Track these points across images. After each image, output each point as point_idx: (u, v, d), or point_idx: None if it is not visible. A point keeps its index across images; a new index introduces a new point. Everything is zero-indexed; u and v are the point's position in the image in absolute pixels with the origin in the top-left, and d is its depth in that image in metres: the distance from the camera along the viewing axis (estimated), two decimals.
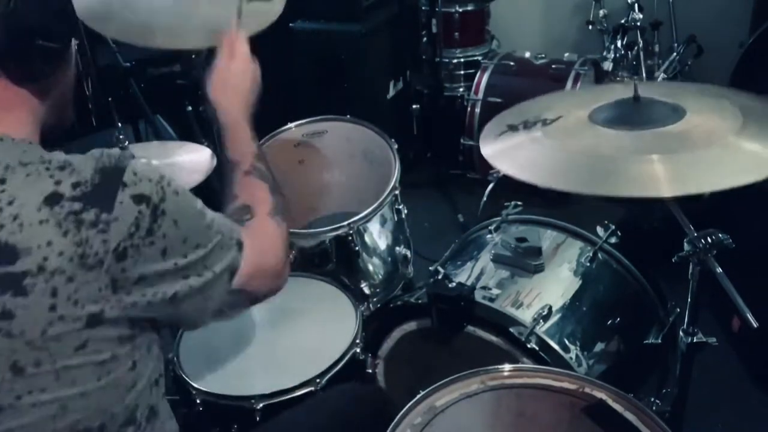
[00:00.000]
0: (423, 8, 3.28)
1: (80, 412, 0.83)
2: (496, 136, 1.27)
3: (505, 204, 1.82)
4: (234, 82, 1.26)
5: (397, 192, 2.00)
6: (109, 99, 2.29)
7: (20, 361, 0.79)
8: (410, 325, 1.59)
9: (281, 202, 1.15)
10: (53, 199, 0.79)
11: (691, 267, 1.20)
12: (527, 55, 3.11)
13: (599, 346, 1.56)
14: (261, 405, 1.43)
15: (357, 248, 1.90)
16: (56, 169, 0.82)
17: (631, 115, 1.19)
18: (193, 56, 2.04)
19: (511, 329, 1.45)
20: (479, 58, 3.20)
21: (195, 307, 0.94)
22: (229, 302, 1.00)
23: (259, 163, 1.18)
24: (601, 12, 2.96)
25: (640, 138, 1.14)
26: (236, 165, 1.17)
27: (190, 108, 2.60)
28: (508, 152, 1.22)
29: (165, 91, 2.89)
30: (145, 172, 0.86)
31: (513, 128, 1.27)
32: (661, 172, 1.05)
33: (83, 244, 0.79)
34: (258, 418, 1.42)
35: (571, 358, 1.47)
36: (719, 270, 1.17)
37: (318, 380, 1.49)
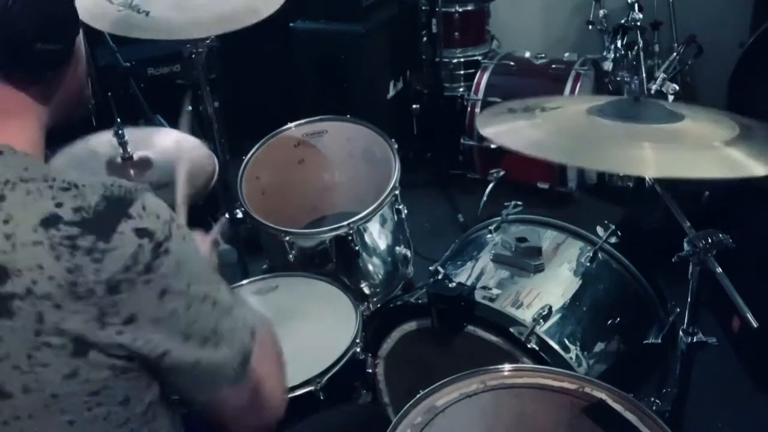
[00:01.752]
0: (423, 8, 3.28)
1: None
2: (495, 116, 1.30)
3: (505, 204, 1.82)
4: None
5: (397, 192, 2.00)
6: (109, 97, 2.29)
7: (7, 385, 0.77)
8: (410, 325, 1.59)
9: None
10: (50, 221, 0.75)
11: (691, 267, 1.21)
12: (527, 55, 3.11)
13: (599, 346, 1.56)
14: None
15: (357, 248, 1.91)
16: (59, 189, 0.77)
17: (629, 111, 1.21)
18: (193, 56, 2.03)
19: (511, 329, 1.45)
20: (479, 58, 3.20)
21: (185, 384, 0.86)
22: (232, 398, 0.89)
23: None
24: (601, 12, 2.96)
25: (634, 129, 1.17)
26: None
27: (190, 108, 2.60)
28: (505, 129, 1.25)
29: (165, 91, 2.89)
30: (154, 209, 0.80)
31: (512, 111, 1.30)
32: (649, 156, 1.10)
33: (75, 272, 0.74)
34: None
35: (571, 358, 1.47)
36: (719, 270, 1.17)
37: (318, 380, 1.49)
